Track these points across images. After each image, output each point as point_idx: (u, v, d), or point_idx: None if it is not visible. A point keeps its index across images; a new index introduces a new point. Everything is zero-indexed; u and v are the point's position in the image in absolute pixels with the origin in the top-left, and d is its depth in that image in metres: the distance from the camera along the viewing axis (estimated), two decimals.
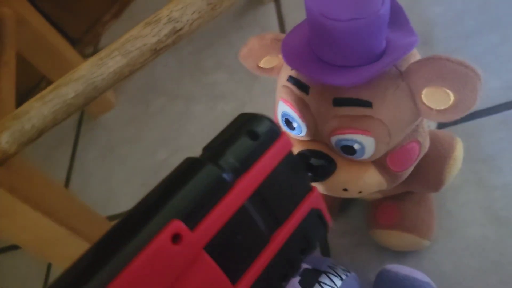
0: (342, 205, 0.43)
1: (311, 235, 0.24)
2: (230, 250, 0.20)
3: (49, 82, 0.80)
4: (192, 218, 0.18)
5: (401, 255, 0.38)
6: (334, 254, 0.41)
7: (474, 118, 0.43)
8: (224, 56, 0.67)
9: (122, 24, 0.87)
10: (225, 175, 0.20)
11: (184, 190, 0.19)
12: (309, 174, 0.29)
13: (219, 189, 0.19)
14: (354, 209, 0.43)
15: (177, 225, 0.17)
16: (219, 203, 0.19)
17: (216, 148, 0.21)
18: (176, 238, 0.17)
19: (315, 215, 0.25)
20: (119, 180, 0.61)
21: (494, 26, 0.47)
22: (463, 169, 0.40)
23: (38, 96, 0.28)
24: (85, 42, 0.85)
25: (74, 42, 0.84)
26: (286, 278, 0.23)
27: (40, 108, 0.28)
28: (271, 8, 0.68)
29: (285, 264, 0.23)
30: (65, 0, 0.80)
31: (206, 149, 0.22)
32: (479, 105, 0.43)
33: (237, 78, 0.63)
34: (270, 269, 0.22)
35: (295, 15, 0.65)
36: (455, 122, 0.43)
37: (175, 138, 0.62)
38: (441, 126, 0.43)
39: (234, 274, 0.20)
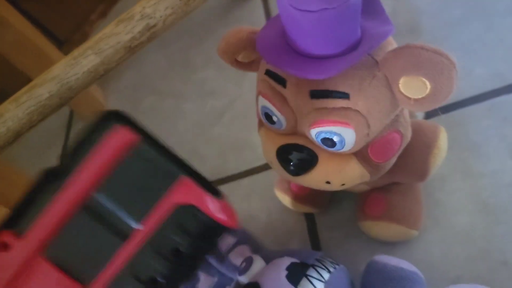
0: (331, 198, 0.42)
1: (185, 233, 0.21)
2: (73, 254, 0.20)
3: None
4: (21, 225, 0.19)
5: (390, 245, 0.38)
6: (324, 247, 0.41)
7: (460, 106, 0.43)
8: (213, 52, 0.67)
9: (110, 23, 0.86)
10: (52, 182, 0.20)
11: (19, 200, 0.19)
12: (291, 168, 0.29)
13: (46, 196, 0.19)
14: (344, 202, 0.42)
15: (4, 234, 0.18)
16: (48, 209, 0.19)
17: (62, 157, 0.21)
18: (4, 246, 0.18)
19: (186, 212, 0.21)
20: None
21: (480, 14, 0.47)
22: (451, 157, 0.40)
23: (12, 98, 0.28)
24: (73, 42, 0.85)
25: (61, 42, 0.83)
26: (157, 283, 0.21)
27: (15, 111, 0.28)
28: (258, 3, 0.67)
29: (152, 267, 0.21)
30: (51, 1, 0.79)
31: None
32: (465, 93, 0.43)
33: (226, 74, 0.63)
34: (131, 270, 0.21)
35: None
36: (442, 111, 0.43)
37: (165, 136, 0.60)
38: (428, 115, 0.43)
39: (85, 275, 0.20)
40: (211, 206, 0.22)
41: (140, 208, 0.21)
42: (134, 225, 0.21)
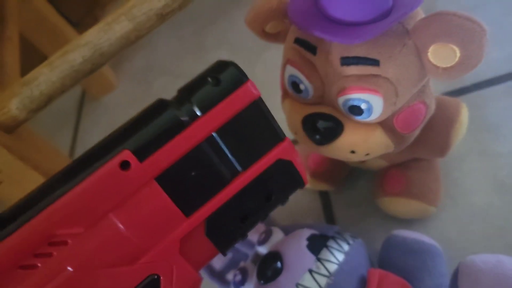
0: (347, 177, 0.43)
1: (278, 183, 0.25)
2: (183, 185, 0.22)
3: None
4: (143, 151, 0.21)
5: (407, 223, 0.38)
6: (341, 226, 0.42)
7: (478, 89, 0.43)
8: (225, 33, 0.67)
9: (120, 6, 0.86)
10: (180, 118, 0.21)
11: (140, 127, 0.21)
12: (317, 136, 0.29)
13: (174, 128, 0.21)
14: (359, 181, 0.43)
15: (126, 154, 0.20)
16: (170, 142, 0.21)
17: (183, 92, 0.23)
18: (124, 165, 0.20)
19: (284, 165, 0.24)
20: None
21: None
22: (468, 138, 0.40)
23: (46, 62, 0.28)
24: (84, 25, 0.85)
25: (73, 25, 0.83)
26: (247, 220, 0.24)
27: (48, 74, 0.28)
28: None
29: (246, 207, 0.24)
30: None
31: (178, 91, 0.23)
32: (482, 76, 0.43)
33: (239, 55, 0.63)
34: (228, 209, 0.23)
35: None
36: (460, 93, 0.44)
37: None
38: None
39: (187, 207, 0.22)
40: (301, 166, 0.25)
41: (247, 155, 0.23)
42: (240, 169, 0.23)
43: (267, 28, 0.31)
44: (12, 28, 0.45)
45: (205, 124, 0.22)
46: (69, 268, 0.20)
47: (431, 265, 0.31)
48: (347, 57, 0.26)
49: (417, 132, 0.30)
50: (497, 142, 0.39)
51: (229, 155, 0.23)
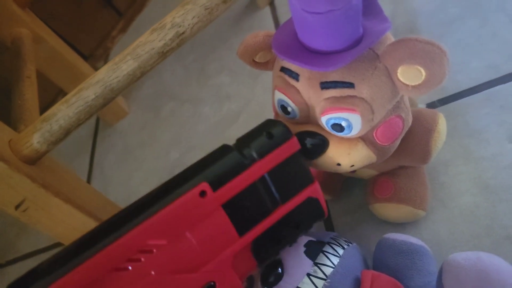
0: (343, 186, 0.46)
1: (306, 215, 0.31)
2: (240, 212, 0.28)
3: (65, 96, 0.85)
4: (216, 183, 0.27)
5: (400, 227, 0.41)
6: (338, 231, 0.44)
7: (459, 97, 0.46)
8: (226, 59, 0.72)
9: (129, 37, 0.92)
10: (244, 160, 0.28)
11: (214, 165, 0.28)
12: (306, 152, 0.33)
13: (238, 168, 0.28)
14: (355, 189, 0.46)
15: (205, 185, 0.26)
16: (236, 178, 0.27)
17: (243, 141, 0.29)
18: (203, 193, 0.26)
19: (312, 202, 0.31)
20: (137, 181, 0.65)
21: (475, 11, 0.51)
22: (452, 144, 0.43)
23: (63, 100, 0.33)
24: (96, 57, 0.91)
25: (85, 57, 0.89)
26: (281, 243, 0.31)
27: (65, 111, 0.32)
28: (267, 12, 0.72)
29: (281, 233, 0.30)
30: (76, 20, 0.85)
31: (237, 140, 0.30)
32: (463, 85, 0.47)
33: (239, 79, 0.67)
34: (269, 233, 0.29)
35: (289, 16, 0.69)
36: (441, 103, 0.47)
37: (186, 139, 0.66)
38: (429, 106, 0.46)
39: (241, 229, 0.28)
40: (324, 202, 0.32)
41: (287, 192, 0.30)
42: (280, 202, 0.30)
43: (257, 58, 0.35)
44: (30, 67, 0.50)
45: (261, 167, 0.28)
46: (152, 272, 0.25)
47: (420, 264, 0.33)
48: (326, 82, 0.29)
49: (396, 143, 0.33)
50: (480, 147, 0.42)
51: (274, 191, 0.29)
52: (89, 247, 0.24)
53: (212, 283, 0.27)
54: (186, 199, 0.25)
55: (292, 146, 0.30)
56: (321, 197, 0.32)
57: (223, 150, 0.29)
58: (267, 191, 0.29)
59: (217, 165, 0.27)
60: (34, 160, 0.34)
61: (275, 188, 0.29)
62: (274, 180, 0.29)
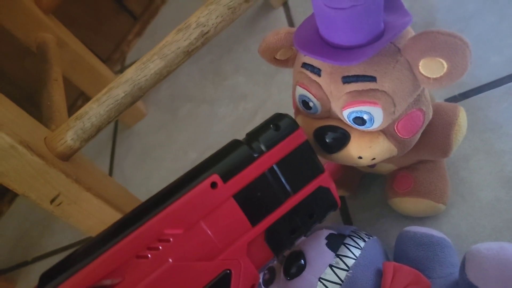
0: (361, 182, 0.46)
1: (318, 205, 0.32)
2: (251, 202, 0.29)
3: (85, 100, 0.87)
4: (227, 175, 0.28)
5: (420, 222, 0.41)
6: (357, 227, 0.45)
7: (480, 92, 0.46)
8: (241, 60, 0.73)
9: (145, 41, 0.94)
10: (252, 153, 0.29)
11: (224, 158, 0.29)
12: (328, 146, 0.33)
13: (247, 161, 0.29)
14: (372, 185, 0.46)
15: (215, 177, 0.28)
16: (246, 169, 0.29)
17: (251, 134, 0.31)
18: (213, 185, 0.28)
19: (323, 191, 0.32)
20: (156, 182, 0.66)
21: (492, 7, 0.51)
22: (473, 138, 0.43)
23: (94, 98, 0.34)
24: (113, 61, 0.93)
25: (103, 61, 0.91)
26: (295, 233, 0.32)
27: (97, 109, 0.34)
28: (281, 12, 0.73)
29: (294, 222, 0.31)
30: (93, 24, 0.88)
31: (247, 134, 0.32)
32: (483, 79, 0.47)
33: (255, 79, 0.68)
34: (282, 222, 0.31)
35: (303, 17, 0.70)
36: (462, 97, 0.47)
37: (203, 139, 0.67)
38: (450, 100, 0.46)
39: (253, 219, 0.29)
40: (336, 192, 0.33)
41: (297, 182, 0.31)
42: (291, 192, 0.31)
43: (278, 55, 0.36)
44: (57, 70, 0.52)
45: (269, 158, 0.30)
46: (170, 260, 0.26)
47: (441, 256, 0.34)
48: (348, 76, 0.30)
49: (417, 136, 0.34)
50: (500, 141, 0.42)
51: (284, 182, 0.30)
52: (113, 238, 0.26)
53: (228, 271, 0.28)
54: (199, 190, 0.27)
55: (298, 137, 0.31)
56: (333, 186, 0.33)
57: (234, 144, 0.30)
58: (277, 181, 0.30)
59: (227, 159, 0.29)
60: (67, 156, 0.36)
61: (285, 179, 0.30)
62: (284, 171, 0.30)
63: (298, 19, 0.70)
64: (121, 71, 0.91)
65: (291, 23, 0.70)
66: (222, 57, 0.76)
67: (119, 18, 0.93)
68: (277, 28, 0.35)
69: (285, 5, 0.73)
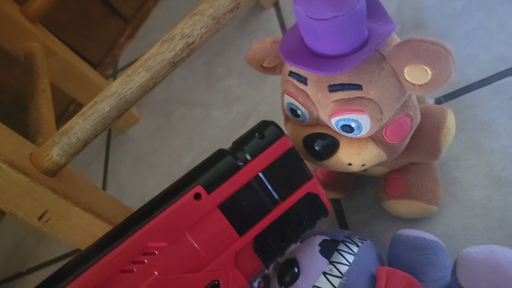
0: (355, 184, 0.46)
1: (308, 212, 0.32)
2: (238, 211, 0.29)
3: (77, 105, 0.87)
4: (211, 186, 0.28)
5: (413, 222, 0.41)
6: (351, 229, 0.45)
7: (468, 91, 0.46)
8: (234, 62, 0.72)
9: (137, 44, 0.93)
10: (237, 162, 0.29)
11: (209, 169, 0.29)
12: (317, 153, 0.33)
13: (232, 170, 0.29)
14: (367, 187, 0.46)
15: (199, 188, 0.28)
16: (230, 179, 0.29)
17: (237, 144, 0.31)
18: (197, 196, 0.27)
19: (312, 198, 0.32)
20: (151, 186, 0.66)
21: (480, 4, 0.50)
22: (463, 138, 0.43)
23: (79, 113, 0.34)
24: (105, 65, 0.92)
25: (95, 66, 0.90)
26: (285, 241, 0.31)
27: (83, 123, 0.34)
28: (272, 12, 0.73)
29: (283, 230, 0.31)
30: (84, 30, 0.87)
31: (233, 143, 0.31)
32: (472, 78, 0.47)
33: (248, 81, 0.68)
34: (270, 231, 0.30)
35: (294, 17, 0.69)
36: (448, 98, 0.47)
37: (198, 142, 0.67)
38: (438, 101, 0.46)
39: (240, 228, 0.29)
40: (325, 198, 0.33)
41: (284, 189, 0.31)
42: (278, 200, 0.31)
43: (265, 64, 0.36)
44: (44, 80, 0.51)
45: (254, 167, 0.29)
46: (155, 273, 0.26)
47: (434, 259, 0.34)
48: (334, 85, 0.30)
49: (406, 141, 0.34)
50: (490, 139, 0.42)
51: (271, 189, 0.30)
52: (97, 253, 0.26)
53: (216, 282, 0.28)
54: (182, 203, 0.27)
55: (283, 144, 0.31)
56: (322, 192, 0.33)
57: (218, 154, 0.30)
58: (264, 189, 0.30)
59: (211, 169, 0.29)
60: (54, 172, 0.36)
61: (272, 186, 0.30)
62: (270, 179, 0.30)
63: (289, 19, 0.69)
64: (114, 75, 0.90)
65: (282, 24, 0.70)
66: (215, 59, 0.75)
67: (110, 21, 0.92)
68: (268, 28, 0.35)
69: (276, 6, 0.73)
